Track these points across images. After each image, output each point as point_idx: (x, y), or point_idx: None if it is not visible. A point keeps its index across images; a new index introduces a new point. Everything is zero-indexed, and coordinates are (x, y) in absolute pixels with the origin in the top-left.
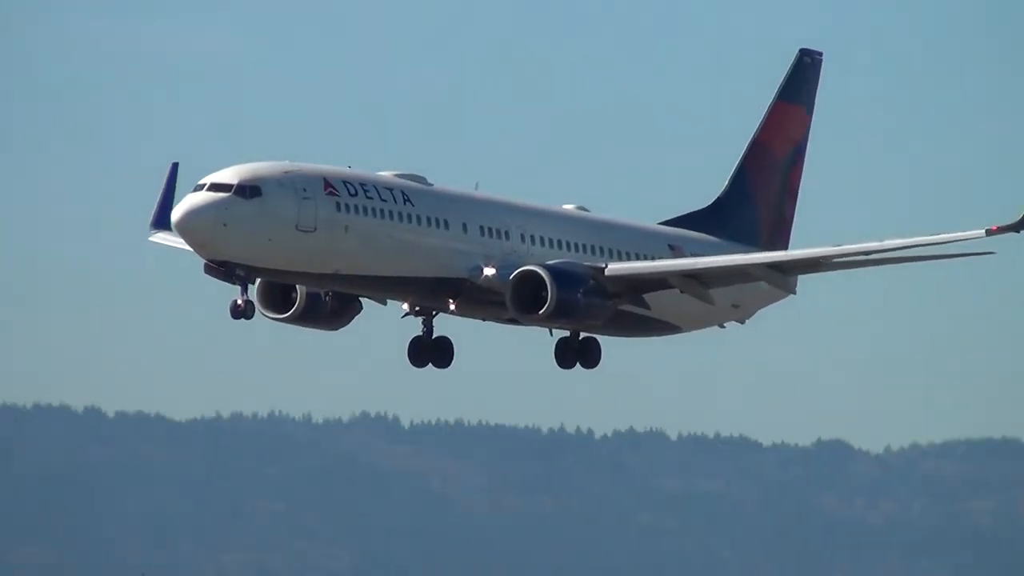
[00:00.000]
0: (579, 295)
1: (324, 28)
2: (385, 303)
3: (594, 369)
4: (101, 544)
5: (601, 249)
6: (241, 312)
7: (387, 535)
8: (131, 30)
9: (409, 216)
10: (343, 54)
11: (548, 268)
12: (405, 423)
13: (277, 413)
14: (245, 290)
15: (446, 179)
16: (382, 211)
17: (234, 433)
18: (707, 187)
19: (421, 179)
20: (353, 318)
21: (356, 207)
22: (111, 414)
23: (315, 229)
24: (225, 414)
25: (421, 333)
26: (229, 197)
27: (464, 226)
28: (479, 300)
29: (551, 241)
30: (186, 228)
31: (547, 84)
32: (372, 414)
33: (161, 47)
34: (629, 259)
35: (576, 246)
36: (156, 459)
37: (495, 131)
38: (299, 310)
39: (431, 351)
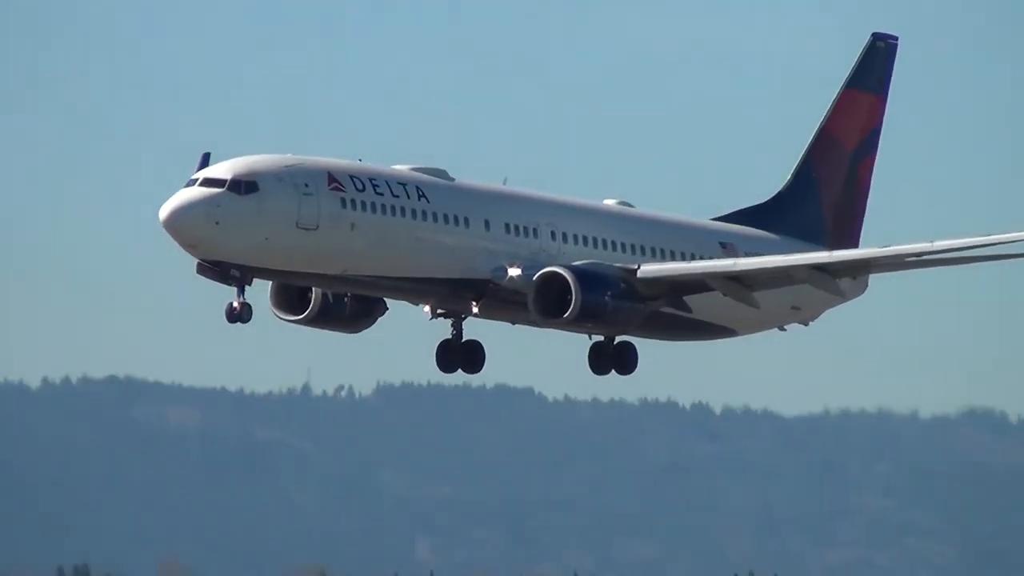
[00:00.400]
0: (606, 298)
1: (363, 19)
2: (417, 303)
3: (630, 376)
4: (706, 539)
5: (642, 248)
6: (237, 316)
7: (995, 532)
8: None
9: (424, 213)
10: (374, 43)
11: (573, 269)
12: (1012, 419)
13: (884, 410)
14: (242, 292)
15: (480, 174)
16: (393, 207)
17: (841, 430)
18: (768, 180)
19: (441, 173)
20: (376, 319)
21: (364, 203)
22: (718, 410)
23: (317, 227)
24: (833, 411)
25: (450, 336)
26: (222, 193)
27: (486, 223)
28: (504, 302)
29: (585, 239)
30: (174, 226)
31: (590, 69)
32: (979, 410)
33: None
34: (674, 258)
35: (614, 244)
36: (763, 455)
37: (533, 121)
38: (314, 311)
39: (460, 355)
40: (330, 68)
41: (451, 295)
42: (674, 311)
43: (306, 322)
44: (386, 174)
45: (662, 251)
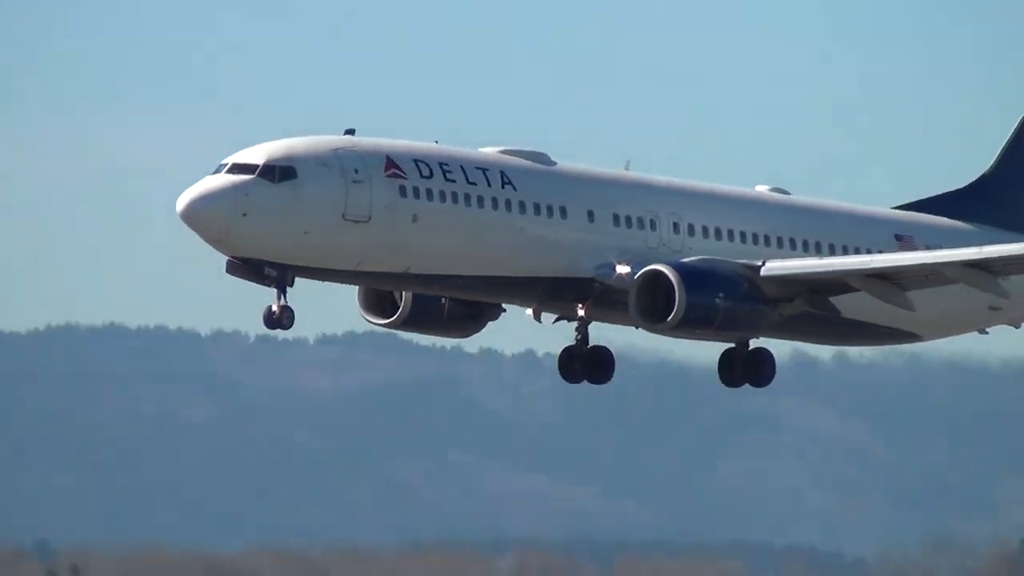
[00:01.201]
0: (717, 300)
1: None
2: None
3: (765, 388)
4: None
5: (792, 240)
6: (277, 321)
7: None
8: None
9: (508, 202)
10: (496, 23)
11: (678, 267)
12: None
13: None
14: (282, 293)
15: (614, 161)
16: (467, 196)
17: None
18: (968, 164)
19: (540, 156)
20: (486, 323)
21: (430, 191)
22: None
23: (369, 219)
24: None
25: (574, 342)
26: (252, 180)
27: (590, 213)
28: (613, 304)
29: (718, 231)
30: (192, 218)
31: (753, 37)
32: None
33: None
34: (834, 252)
35: (755, 237)
36: None
37: (687, 104)
38: (405, 314)
39: (585, 363)
40: (457, 46)
41: (549, 296)
42: (821, 312)
43: (397, 326)
44: (463, 158)
45: (817, 244)
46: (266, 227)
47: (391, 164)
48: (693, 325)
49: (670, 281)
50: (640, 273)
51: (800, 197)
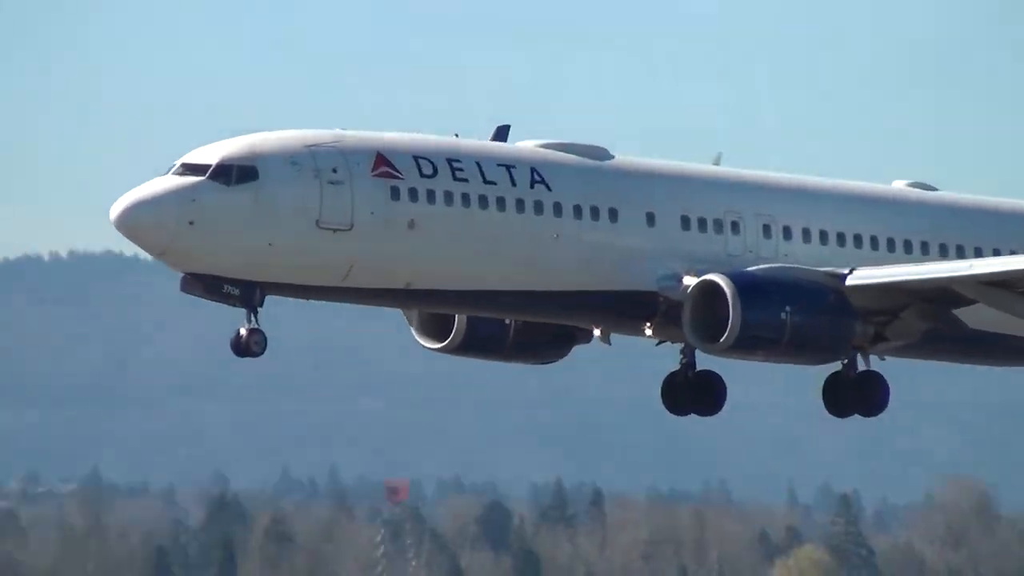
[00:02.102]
0: (784, 315)
1: None
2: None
3: (874, 417)
4: None
5: (925, 244)
6: (245, 348)
7: None
8: None
9: (538, 204)
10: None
11: (735, 277)
12: None
13: None
14: (252, 315)
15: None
16: (483, 198)
17: None
18: None
19: (593, 150)
20: (572, 348)
21: (431, 193)
22: None
23: (351, 227)
24: None
25: (679, 367)
26: (201, 182)
27: (649, 216)
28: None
29: (823, 234)
30: (129, 228)
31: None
32: None
33: None
34: (979, 254)
35: (874, 241)
36: None
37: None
38: (458, 338)
39: (691, 392)
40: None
41: (605, 314)
42: (945, 328)
43: (452, 351)
44: (482, 154)
45: (959, 247)
46: (219, 238)
47: (382, 162)
48: (753, 345)
49: (724, 294)
50: (695, 284)
51: (944, 193)
